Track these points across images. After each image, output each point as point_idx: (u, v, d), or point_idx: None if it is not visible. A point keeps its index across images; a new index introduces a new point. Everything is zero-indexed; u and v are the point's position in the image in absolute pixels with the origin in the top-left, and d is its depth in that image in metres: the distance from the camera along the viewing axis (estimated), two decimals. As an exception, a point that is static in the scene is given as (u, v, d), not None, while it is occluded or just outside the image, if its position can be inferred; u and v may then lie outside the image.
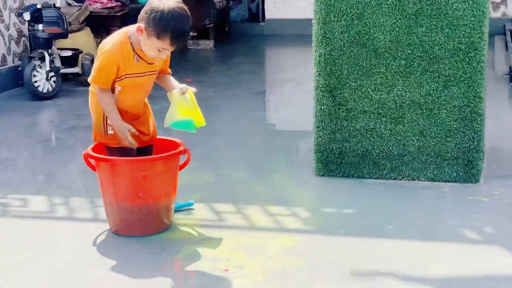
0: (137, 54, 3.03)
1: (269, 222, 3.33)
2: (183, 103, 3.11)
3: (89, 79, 3.13)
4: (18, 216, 3.50)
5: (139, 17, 2.96)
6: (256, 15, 9.88)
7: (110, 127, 3.16)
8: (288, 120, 5.41)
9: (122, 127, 3.07)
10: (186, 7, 2.94)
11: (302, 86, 6.22)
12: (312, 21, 3.80)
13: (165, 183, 3.16)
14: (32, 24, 6.04)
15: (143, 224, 3.15)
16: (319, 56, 3.75)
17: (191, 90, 3.13)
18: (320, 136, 3.87)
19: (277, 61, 8.20)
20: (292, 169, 4.15)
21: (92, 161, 3.17)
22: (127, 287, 2.73)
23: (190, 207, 3.48)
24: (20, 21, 6.39)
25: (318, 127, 3.86)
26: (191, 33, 3.05)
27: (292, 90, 6.38)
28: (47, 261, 2.94)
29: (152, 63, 3.10)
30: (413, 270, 2.80)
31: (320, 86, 3.78)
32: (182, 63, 7.50)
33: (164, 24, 2.86)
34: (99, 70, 3.04)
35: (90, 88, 3.20)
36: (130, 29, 3.07)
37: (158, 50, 2.96)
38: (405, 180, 3.76)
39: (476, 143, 3.69)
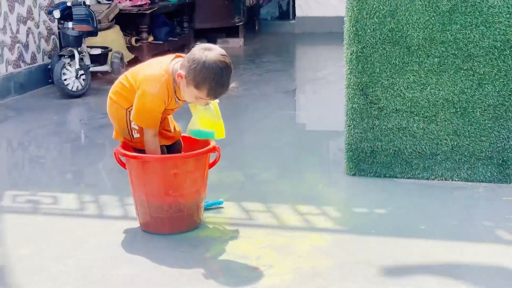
0: (177, 96, 3.08)
1: (299, 221, 3.32)
2: (207, 114, 3.13)
3: (139, 123, 3.11)
4: (48, 213, 3.53)
5: (181, 63, 2.97)
6: (287, 12, 9.84)
7: (135, 131, 3.18)
8: (318, 119, 5.38)
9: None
10: (229, 60, 2.96)
11: (333, 84, 6.20)
12: (344, 18, 3.78)
13: (195, 181, 3.16)
14: (62, 22, 6.07)
15: (173, 222, 3.16)
16: (350, 54, 3.73)
17: (215, 101, 3.16)
18: (351, 135, 3.85)
19: (308, 59, 8.16)
20: (322, 168, 4.13)
21: (123, 159, 3.19)
22: (157, 285, 2.74)
23: (220, 205, 3.49)
24: (50, 19, 6.42)
25: (349, 126, 3.85)
26: (231, 85, 3.07)
27: (323, 89, 6.34)
28: (76, 259, 2.95)
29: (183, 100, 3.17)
30: (445, 271, 2.77)
31: (352, 84, 3.77)
32: None
33: (203, 77, 2.88)
34: (149, 115, 3.05)
35: (110, 94, 3.20)
36: (171, 66, 3.07)
37: (195, 98, 2.98)
38: (438, 180, 3.73)
39: (511, 143, 3.70)
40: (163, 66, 3.04)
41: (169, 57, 3.12)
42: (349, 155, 3.85)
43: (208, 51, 2.89)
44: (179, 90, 3.03)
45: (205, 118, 3.15)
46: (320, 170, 4.08)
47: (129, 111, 3.13)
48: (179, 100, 3.12)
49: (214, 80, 2.88)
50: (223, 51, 2.94)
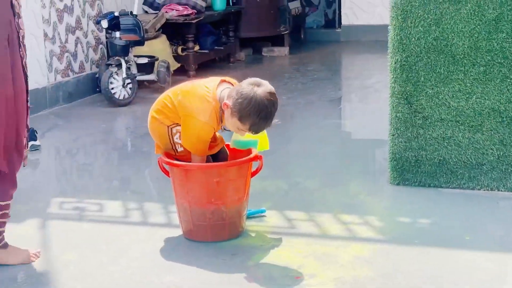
0: (223, 125, 3.14)
1: (342, 231, 3.31)
2: None
3: (189, 149, 3.14)
4: (94, 220, 3.58)
5: (229, 93, 3.01)
6: (333, 21, 9.82)
7: (179, 145, 3.22)
8: (363, 128, 5.36)
9: None
10: (276, 98, 2.98)
11: (378, 93, 6.18)
12: (388, 27, 3.79)
13: (238, 189, 3.17)
14: (110, 31, 6.14)
15: (215, 230, 3.18)
16: (395, 63, 3.71)
17: None
18: (395, 144, 3.82)
19: (353, 67, 8.12)
20: (366, 177, 4.12)
21: (166, 167, 3.23)
22: None
23: (262, 214, 3.49)
24: (98, 29, 6.52)
25: (393, 135, 3.82)
26: (274, 122, 3.13)
27: (369, 97, 6.33)
28: (121, 265, 2.99)
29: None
30: (490, 283, 2.73)
31: (396, 93, 3.74)
32: (256, 70, 7.50)
33: (248, 112, 2.92)
34: (200, 142, 3.09)
35: (152, 112, 3.22)
36: (218, 93, 3.09)
37: (238, 129, 3.02)
38: (484, 190, 3.68)
39: None
40: (211, 93, 3.06)
41: (214, 81, 3.14)
42: (393, 164, 3.83)
43: (256, 87, 2.92)
44: (224, 117, 3.09)
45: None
46: (363, 179, 4.06)
47: (171, 128, 3.17)
48: (225, 130, 3.19)
49: (258, 116, 2.92)
50: (271, 88, 2.96)
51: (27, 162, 2.98)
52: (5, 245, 2.91)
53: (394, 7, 3.67)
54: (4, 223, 2.91)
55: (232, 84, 3.14)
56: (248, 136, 3.21)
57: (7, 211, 2.89)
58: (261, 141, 3.29)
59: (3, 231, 2.91)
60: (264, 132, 3.24)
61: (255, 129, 3.00)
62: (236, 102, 2.91)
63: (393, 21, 3.67)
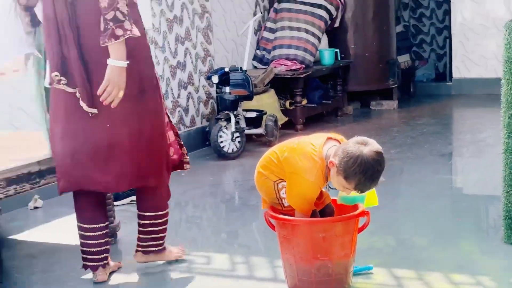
0: (327, 182, 3.15)
1: None
2: None
3: (295, 207, 3.16)
4: (201, 273, 3.61)
5: (335, 151, 3.02)
6: (443, 74, 9.75)
7: (285, 200, 3.23)
8: (475, 184, 5.22)
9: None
10: (383, 157, 2.97)
11: (490, 148, 6.03)
12: (501, 81, 3.70)
13: (344, 245, 3.14)
14: (220, 86, 6.31)
15: (321, 286, 3.14)
16: (508, 117, 3.60)
17: None
18: (510, 201, 3.68)
19: (465, 121, 7.96)
20: (479, 235, 3.97)
21: (273, 221, 3.24)
22: None
23: (370, 271, 3.44)
24: (208, 84, 6.71)
25: (507, 192, 3.68)
26: (380, 180, 3.15)
27: (481, 152, 6.17)
28: None
29: None
30: None
31: (510, 149, 3.62)
32: (363, 124, 7.54)
33: (354, 171, 2.92)
34: (306, 201, 3.11)
35: (258, 168, 3.26)
36: (324, 151, 3.10)
37: (343, 187, 3.03)
38: None
39: None
40: (317, 151, 3.06)
41: (320, 138, 3.14)
42: (508, 223, 3.68)
43: (363, 146, 2.91)
44: (330, 175, 3.08)
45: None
46: (476, 237, 3.93)
47: (277, 184, 3.18)
48: (331, 188, 3.19)
49: (364, 176, 2.91)
50: (378, 148, 2.94)
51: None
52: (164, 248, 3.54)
53: (508, 61, 3.57)
54: (166, 229, 3.53)
55: (339, 141, 3.14)
56: (355, 192, 3.20)
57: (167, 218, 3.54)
58: (369, 197, 3.26)
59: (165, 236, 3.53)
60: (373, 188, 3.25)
61: (361, 189, 2.98)
62: (342, 161, 2.90)
63: (506, 75, 3.58)
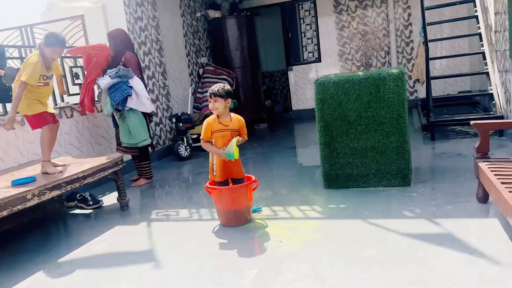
0: (220, 121, 3.67)
1: (301, 215, 3.94)
2: (235, 144, 3.68)
3: (201, 136, 3.55)
4: (173, 220, 4.20)
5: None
6: (288, 108, 11.55)
7: (215, 169, 3.82)
8: (308, 161, 6.30)
9: (218, 152, 3.71)
10: None
11: (313, 143, 7.39)
12: (315, 111, 4.45)
13: (246, 198, 3.85)
14: (177, 123, 7.18)
15: (236, 220, 3.86)
16: (319, 126, 4.46)
17: (238, 139, 3.75)
18: (325, 168, 4.54)
19: (300, 132, 9.26)
20: (312, 185, 4.74)
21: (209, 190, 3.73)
22: (228, 248, 3.32)
23: (260, 210, 4.23)
24: (171, 122, 7.62)
25: (323, 163, 4.50)
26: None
27: (309, 145, 7.39)
28: (191, 243, 3.45)
29: (228, 125, 3.71)
30: (376, 235, 3.31)
31: (322, 142, 4.55)
32: (253, 135, 9.03)
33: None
34: (205, 135, 3.66)
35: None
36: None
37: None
38: (371, 187, 4.46)
39: (407, 165, 4.34)
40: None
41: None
42: (325, 178, 4.52)
43: None
44: (222, 119, 3.63)
45: (234, 146, 3.74)
46: (311, 186, 4.68)
47: (212, 155, 3.67)
48: (220, 123, 3.79)
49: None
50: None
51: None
52: None
53: (317, 99, 4.50)
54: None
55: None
56: (233, 149, 3.69)
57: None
58: (235, 153, 3.82)
59: None
60: (236, 148, 3.65)
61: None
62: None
63: (317, 105, 4.52)
